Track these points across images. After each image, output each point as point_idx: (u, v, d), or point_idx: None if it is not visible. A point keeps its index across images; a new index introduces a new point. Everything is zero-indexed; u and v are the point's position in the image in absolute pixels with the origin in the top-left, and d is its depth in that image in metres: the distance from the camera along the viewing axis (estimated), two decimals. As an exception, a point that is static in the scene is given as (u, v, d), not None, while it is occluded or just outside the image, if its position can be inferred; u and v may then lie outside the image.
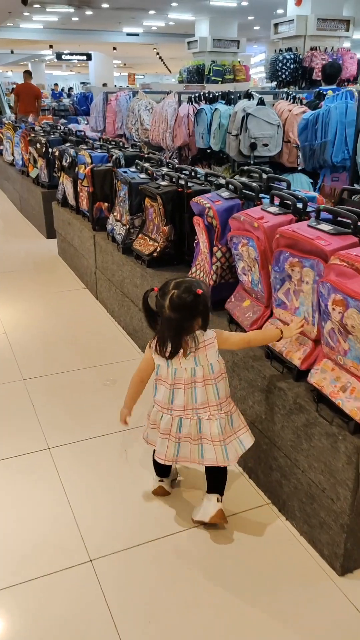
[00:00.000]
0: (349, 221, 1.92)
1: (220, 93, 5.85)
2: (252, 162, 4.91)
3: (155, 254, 3.14)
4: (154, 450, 2.02)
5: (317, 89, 5.23)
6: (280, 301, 2.06)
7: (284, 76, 10.41)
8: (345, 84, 10.21)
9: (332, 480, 1.74)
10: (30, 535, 1.98)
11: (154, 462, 2.14)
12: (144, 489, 2.19)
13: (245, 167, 2.94)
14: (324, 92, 5.38)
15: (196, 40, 14.89)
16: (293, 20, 10.57)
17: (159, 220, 3.13)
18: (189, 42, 15.19)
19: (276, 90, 8.96)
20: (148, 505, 2.11)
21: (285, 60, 10.34)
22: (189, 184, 3.07)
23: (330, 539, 1.79)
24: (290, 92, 5.22)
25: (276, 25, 11.17)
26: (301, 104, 5.02)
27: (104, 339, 3.51)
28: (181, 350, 1.85)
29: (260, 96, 4.95)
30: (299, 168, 4.88)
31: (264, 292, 2.18)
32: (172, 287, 1.78)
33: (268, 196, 2.50)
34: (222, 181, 2.88)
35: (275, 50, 11.07)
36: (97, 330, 3.63)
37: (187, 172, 3.34)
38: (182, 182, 3.10)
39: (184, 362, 1.88)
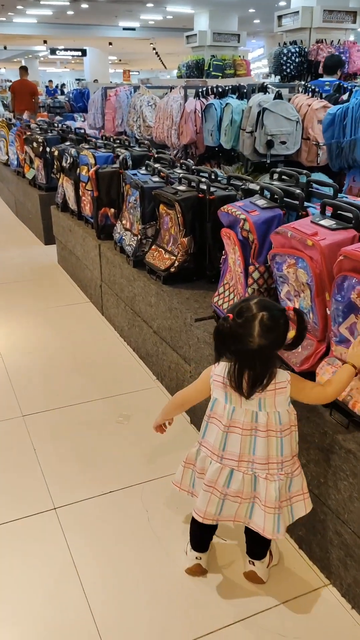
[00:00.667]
0: None
1: (230, 87, 5.44)
2: (268, 160, 4.51)
3: (172, 269, 2.75)
4: (193, 512, 1.65)
5: (333, 81, 4.84)
6: (343, 337, 1.66)
7: (288, 70, 10.02)
8: (353, 78, 9.83)
9: None
10: (38, 635, 1.58)
11: (192, 529, 1.76)
12: (172, 564, 1.80)
13: (278, 169, 2.54)
14: (343, 85, 5.00)
15: (195, 34, 14.44)
16: (298, 12, 10.17)
17: (177, 230, 2.74)
18: (187, 36, 14.73)
19: (293, 83, 8.54)
20: (180, 590, 1.71)
21: (290, 54, 9.94)
22: (212, 189, 2.67)
23: None
24: (309, 85, 4.82)
25: (280, 17, 10.76)
26: (321, 97, 4.62)
27: (113, 363, 3.11)
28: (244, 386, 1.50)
29: (277, 90, 4.55)
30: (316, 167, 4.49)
31: (318, 324, 1.79)
32: (256, 310, 1.45)
33: (313, 205, 2.12)
34: (253, 186, 2.48)
35: (279, 44, 10.67)
36: (105, 353, 3.23)
37: (205, 175, 2.94)
38: (203, 186, 2.70)
39: (245, 402, 1.53)
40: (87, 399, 2.74)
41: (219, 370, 1.57)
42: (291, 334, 1.51)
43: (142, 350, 3.06)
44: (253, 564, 1.72)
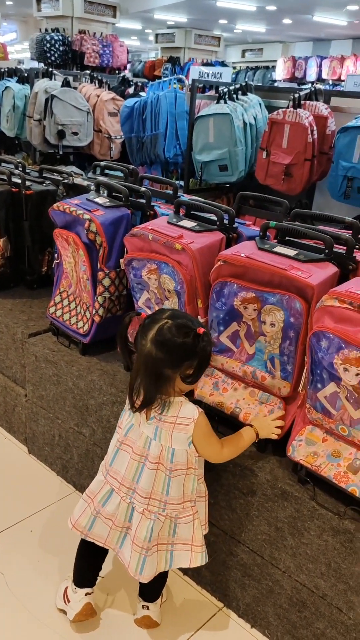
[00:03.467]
0: (302, 242, 1.53)
1: (7, 69, 4.97)
2: (60, 152, 4.23)
3: (-13, 276, 2.35)
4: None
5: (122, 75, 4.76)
6: (224, 347, 1.56)
7: (53, 58, 9.71)
8: (116, 72, 9.95)
9: (340, 586, 1.33)
10: None
11: (77, 557, 1.51)
12: (50, 632, 1.51)
13: (102, 163, 2.33)
14: (128, 79, 4.96)
15: None
16: (58, -2, 9.91)
17: (-12, 230, 2.34)
18: None
19: (79, 71, 8.23)
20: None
21: (53, 41, 9.64)
22: (27, 183, 2.35)
23: (333, 654, 1.40)
24: (95, 75, 4.64)
25: (39, 1, 10.36)
26: (109, 88, 4.50)
27: None
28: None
29: (64, 77, 4.28)
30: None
31: (189, 334, 1.66)
32: (167, 316, 1.30)
33: (157, 204, 1.99)
34: (79, 181, 2.23)
35: (40, 29, 10.28)
36: None
37: (11, 166, 2.58)
38: (15, 179, 2.35)
39: (143, 424, 1.35)
40: None
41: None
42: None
43: None
44: (147, 607, 1.53)
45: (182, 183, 3.53)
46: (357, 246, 1.57)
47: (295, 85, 10.31)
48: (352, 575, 1.30)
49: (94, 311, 1.88)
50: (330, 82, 11.15)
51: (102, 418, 1.83)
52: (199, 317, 1.62)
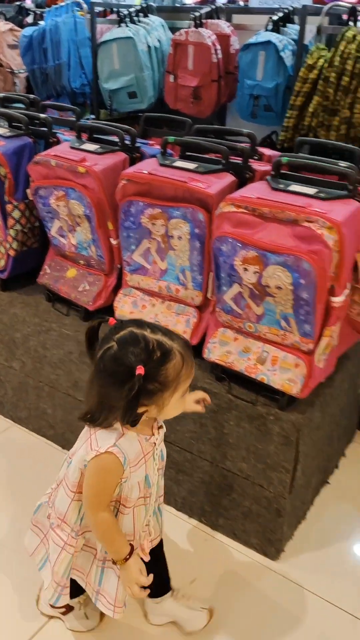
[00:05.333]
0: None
1: None
2: None
3: None
4: None
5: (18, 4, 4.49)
6: (137, 265, 1.62)
7: None
8: (16, 2, 9.29)
9: (260, 465, 1.48)
10: None
11: None
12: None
13: (1, 95, 2.26)
14: (25, 7, 4.68)
15: None
16: None
17: None
18: None
19: None
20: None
21: None
22: None
23: (260, 526, 1.57)
24: (-11, 4, 4.36)
25: None
26: (5, 19, 4.24)
27: None
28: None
29: None
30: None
31: (104, 257, 1.71)
32: (118, 337, 1.06)
33: (60, 132, 1.97)
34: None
35: None
36: None
37: None
38: None
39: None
40: None
41: None
42: None
43: None
44: None
45: (94, 116, 3.46)
46: (255, 157, 1.65)
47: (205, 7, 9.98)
48: (269, 454, 1.45)
49: (7, 245, 1.88)
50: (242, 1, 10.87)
51: (29, 349, 1.87)
52: (111, 239, 1.67)
